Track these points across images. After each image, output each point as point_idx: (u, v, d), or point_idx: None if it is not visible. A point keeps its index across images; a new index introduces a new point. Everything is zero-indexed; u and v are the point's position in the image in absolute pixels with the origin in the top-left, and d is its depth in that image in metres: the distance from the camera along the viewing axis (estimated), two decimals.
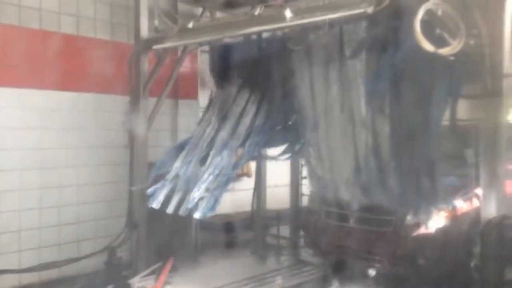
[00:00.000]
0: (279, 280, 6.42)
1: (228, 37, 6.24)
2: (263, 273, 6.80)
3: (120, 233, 6.66)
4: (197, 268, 7.09)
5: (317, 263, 7.04)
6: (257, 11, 5.46)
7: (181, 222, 6.54)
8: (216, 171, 5.96)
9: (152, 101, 6.84)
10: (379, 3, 4.47)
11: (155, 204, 6.11)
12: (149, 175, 6.58)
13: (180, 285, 6.44)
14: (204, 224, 7.55)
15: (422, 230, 5.65)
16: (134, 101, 6.68)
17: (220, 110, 6.63)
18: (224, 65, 6.81)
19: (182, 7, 7.65)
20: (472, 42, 4.47)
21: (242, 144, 6.14)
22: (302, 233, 7.60)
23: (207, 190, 5.83)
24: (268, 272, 6.85)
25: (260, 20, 5.49)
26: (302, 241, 7.67)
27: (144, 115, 6.71)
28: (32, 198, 6.34)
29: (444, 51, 4.36)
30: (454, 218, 5.69)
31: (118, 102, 6.87)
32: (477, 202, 5.42)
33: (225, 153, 6.11)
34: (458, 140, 5.57)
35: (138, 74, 6.67)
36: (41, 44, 6.43)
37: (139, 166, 6.65)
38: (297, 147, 6.49)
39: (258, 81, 6.40)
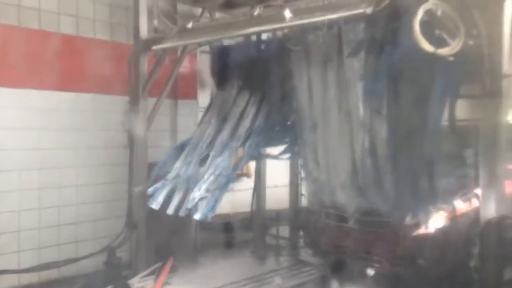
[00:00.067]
0: (278, 280, 6.42)
1: (228, 37, 6.24)
2: (262, 273, 6.81)
3: (120, 233, 6.65)
4: (197, 268, 7.09)
5: (317, 263, 7.03)
6: (256, 12, 5.45)
7: (181, 222, 6.53)
8: (217, 172, 5.96)
9: (151, 101, 6.82)
10: (378, 4, 4.47)
11: (155, 205, 6.11)
12: (150, 175, 6.57)
13: (180, 285, 6.44)
14: (203, 224, 7.53)
15: (422, 231, 5.65)
16: (134, 102, 6.67)
17: (220, 111, 6.65)
18: (225, 66, 6.82)
19: (181, 7, 7.64)
20: (471, 42, 4.46)
21: (242, 145, 6.14)
22: (301, 233, 7.60)
23: (207, 190, 5.83)
24: (268, 272, 6.86)
25: (259, 21, 5.48)
26: (301, 241, 7.66)
27: (143, 115, 6.69)
28: (31, 198, 6.34)
29: (443, 51, 4.35)
30: (454, 218, 5.69)
31: (117, 103, 6.87)
32: (477, 202, 5.42)
33: (226, 153, 6.12)
34: (457, 141, 5.57)
35: (137, 74, 6.66)
36: (40, 45, 6.43)
37: (138, 167, 6.64)
38: (296, 147, 6.49)
39: (258, 82, 6.42)
